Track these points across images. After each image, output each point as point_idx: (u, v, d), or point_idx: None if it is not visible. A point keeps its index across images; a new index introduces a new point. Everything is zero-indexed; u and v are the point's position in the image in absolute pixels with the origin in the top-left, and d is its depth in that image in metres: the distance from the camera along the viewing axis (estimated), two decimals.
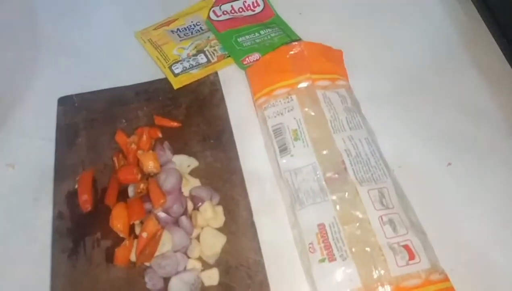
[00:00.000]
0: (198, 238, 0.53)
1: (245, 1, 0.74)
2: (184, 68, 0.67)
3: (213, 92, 0.65)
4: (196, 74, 0.67)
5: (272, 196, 0.57)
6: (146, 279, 0.50)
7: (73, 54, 0.70)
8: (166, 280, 0.50)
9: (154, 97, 0.65)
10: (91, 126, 0.62)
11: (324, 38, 0.65)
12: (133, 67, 0.69)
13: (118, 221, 0.52)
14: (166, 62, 0.68)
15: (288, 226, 0.55)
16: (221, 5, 0.74)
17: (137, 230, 0.53)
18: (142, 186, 0.54)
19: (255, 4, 0.75)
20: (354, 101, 0.62)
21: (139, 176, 0.55)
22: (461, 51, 0.69)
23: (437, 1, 0.75)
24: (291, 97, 0.61)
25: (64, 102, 0.64)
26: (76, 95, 0.64)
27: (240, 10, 0.74)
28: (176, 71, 0.67)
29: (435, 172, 0.59)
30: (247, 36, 0.71)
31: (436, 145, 0.60)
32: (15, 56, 0.69)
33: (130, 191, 0.55)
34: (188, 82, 0.66)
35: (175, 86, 0.66)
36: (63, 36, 0.72)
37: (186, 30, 0.72)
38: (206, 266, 0.51)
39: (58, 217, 0.55)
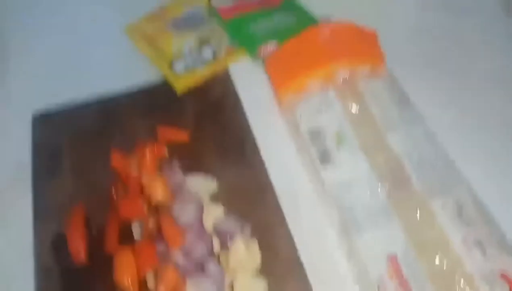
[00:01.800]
0: (231, 285, 0.38)
1: None
2: (187, 67, 0.53)
3: (226, 93, 0.52)
4: (203, 73, 0.53)
5: (317, 218, 0.44)
6: None
7: (50, 60, 0.56)
8: None
9: (155, 105, 0.51)
10: (78, 147, 0.48)
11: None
12: (125, 71, 0.55)
13: (124, 273, 0.38)
14: (165, 61, 0.53)
15: (341, 256, 0.41)
16: None
17: (150, 282, 0.38)
18: (151, 224, 0.39)
19: None
20: (401, 92, 0.49)
21: (145, 209, 0.41)
22: None
23: None
24: (327, 92, 0.46)
25: (41, 119, 0.50)
26: (56, 110, 0.50)
27: None
28: (178, 70, 0.53)
29: (508, 170, 0.45)
30: (259, 22, 0.57)
31: (503, 140, 0.48)
32: None
33: (136, 230, 0.41)
34: (194, 84, 0.52)
35: (179, 90, 0.51)
36: (35, 40, 0.57)
37: (185, 20, 0.58)
38: None
39: (42, 274, 0.40)
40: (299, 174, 0.46)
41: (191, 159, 0.46)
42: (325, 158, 0.45)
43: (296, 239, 0.42)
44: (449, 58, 0.54)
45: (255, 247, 0.41)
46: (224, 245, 0.40)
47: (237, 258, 0.39)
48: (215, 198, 0.44)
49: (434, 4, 0.59)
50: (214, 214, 0.42)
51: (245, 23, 0.56)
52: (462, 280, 0.37)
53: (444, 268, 0.38)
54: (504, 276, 0.38)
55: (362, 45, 0.51)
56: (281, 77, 0.51)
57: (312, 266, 0.41)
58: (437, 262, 0.38)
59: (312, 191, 0.45)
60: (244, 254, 0.39)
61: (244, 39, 0.55)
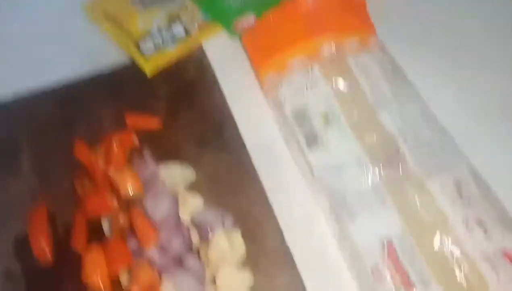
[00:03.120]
0: (213, 281, 0.40)
1: None
2: (157, 46, 0.55)
3: (202, 73, 0.54)
4: (174, 52, 0.55)
5: (306, 205, 0.46)
6: None
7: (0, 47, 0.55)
8: None
9: (122, 90, 0.53)
10: (37, 139, 0.49)
11: None
12: (86, 54, 0.56)
13: (94, 272, 0.40)
14: (131, 41, 0.55)
15: (332, 243, 0.43)
16: None
17: (123, 280, 0.40)
18: (121, 220, 0.41)
19: None
20: (394, 66, 0.51)
21: (115, 204, 0.42)
22: None
23: None
24: (312, 69, 0.49)
25: None
26: (11, 98, 0.51)
27: None
28: (147, 51, 0.54)
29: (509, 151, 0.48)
30: None
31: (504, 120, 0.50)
32: None
33: (105, 227, 0.43)
34: (165, 65, 0.53)
35: (149, 73, 0.53)
36: None
37: None
38: None
39: (6, 276, 0.42)
40: (285, 159, 0.48)
41: (164, 148, 0.48)
42: (312, 140, 0.47)
43: (283, 228, 0.44)
44: (447, 30, 0.56)
45: (238, 238, 0.43)
46: (204, 238, 0.42)
47: (218, 251, 0.41)
48: (192, 188, 0.46)
49: None
50: (191, 206, 0.44)
51: None
52: (463, 263, 0.40)
53: (444, 252, 0.40)
54: (507, 255, 0.40)
55: (349, 15, 0.53)
56: (261, 54, 0.52)
57: (302, 255, 0.43)
58: (435, 245, 0.40)
59: (299, 176, 0.47)
60: (226, 245, 0.41)
61: (218, 12, 0.57)
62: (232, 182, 0.46)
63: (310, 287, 0.41)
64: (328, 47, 0.50)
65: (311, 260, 0.43)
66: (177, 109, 0.51)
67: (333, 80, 0.48)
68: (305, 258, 0.43)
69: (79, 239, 0.42)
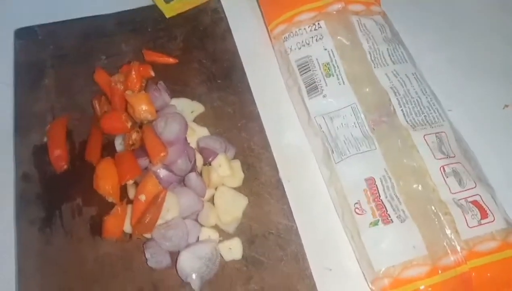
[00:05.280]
0: (212, 201, 0.42)
1: None
2: None
3: (216, 21, 0.54)
4: (193, 0, 0.55)
5: (301, 147, 0.48)
6: (147, 255, 0.39)
7: None
8: (173, 255, 0.39)
9: (142, 28, 0.53)
10: (61, 64, 0.50)
11: None
12: None
13: (105, 181, 0.41)
14: None
15: (323, 182, 0.45)
16: None
17: (131, 193, 0.42)
18: (134, 136, 0.42)
19: None
20: (393, 31, 0.52)
21: (129, 124, 0.44)
22: None
23: None
24: (318, 24, 0.50)
25: (24, 35, 0.52)
26: (40, 26, 0.53)
27: None
28: None
29: (491, 115, 0.51)
30: None
31: (490, 85, 0.52)
32: None
33: (118, 144, 0.44)
34: (183, 10, 0.54)
35: (167, 15, 0.54)
36: None
37: None
38: (224, 236, 0.41)
39: (23, 179, 0.43)
40: (285, 103, 0.50)
41: (177, 83, 0.49)
42: (312, 88, 0.48)
43: (278, 164, 0.46)
44: (442, 5, 0.57)
45: (237, 166, 0.44)
46: (207, 162, 0.43)
47: (219, 174, 0.42)
48: (200, 120, 0.47)
49: None
50: (199, 134, 0.45)
51: None
52: (436, 205, 0.41)
53: (420, 194, 0.42)
54: (475, 203, 0.42)
55: None
56: (273, 8, 0.53)
57: (293, 189, 0.44)
58: (413, 187, 0.42)
59: (297, 120, 0.49)
60: (227, 170, 0.42)
61: None
62: (236, 119, 0.48)
63: (296, 215, 0.43)
64: (336, 6, 0.50)
65: (301, 194, 0.45)
66: (191, 50, 0.52)
67: (338, 36, 0.49)
68: (295, 192, 0.45)
69: (93, 152, 0.43)
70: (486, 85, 0.52)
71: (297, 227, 0.42)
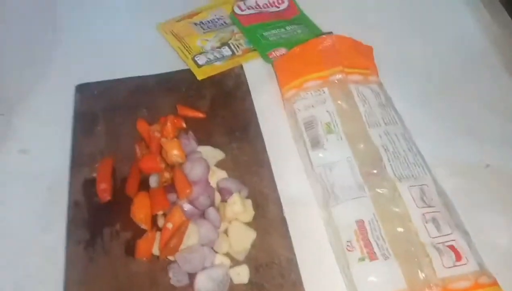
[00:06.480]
0: (226, 232, 0.48)
1: None
2: (208, 60, 0.64)
3: (238, 85, 0.62)
4: (221, 66, 0.64)
5: (303, 192, 0.54)
6: (170, 274, 0.45)
7: (93, 42, 0.67)
8: (192, 276, 0.45)
9: (177, 88, 0.61)
10: (111, 114, 0.58)
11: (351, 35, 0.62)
12: (155, 58, 0.66)
13: (140, 211, 0.48)
14: (189, 54, 0.65)
15: (321, 223, 0.51)
16: (245, 0, 0.71)
17: (160, 222, 0.49)
18: (166, 175, 0.50)
19: (280, 1, 0.73)
20: (387, 98, 0.60)
21: (162, 165, 0.51)
22: (492, 54, 0.67)
23: (465, 5, 0.73)
24: (323, 90, 0.58)
25: (83, 89, 0.61)
26: (95, 83, 0.61)
27: (265, 6, 0.72)
28: (200, 62, 0.64)
29: (474, 173, 0.55)
30: (273, 31, 0.68)
31: (473, 146, 0.57)
32: (33, 41, 0.66)
33: (153, 182, 0.51)
34: (212, 74, 0.63)
35: (199, 77, 0.63)
36: (83, 24, 0.70)
37: (209, 23, 0.70)
38: (235, 262, 0.47)
39: (74, 206, 0.50)
40: (292, 154, 0.56)
41: (204, 134, 0.56)
42: (315, 143, 0.55)
43: (284, 205, 0.52)
44: (433, 80, 0.64)
45: (249, 205, 0.51)
46: (224, 200, 0.50)
47: (233, 210, 0.49)
48: (220, 165, 0.54)
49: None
50: (218, 176, 0.52)
51: (261, 30, 0.68)
52: (416, 246, 0.46)
53: (403, 236, 0.47)
54: (452, 247, 0.47)
55: (358, 55, 0.62)
56: (286, 76, 0.61)
57: (296, 227, 0.50)
58: (397, 230, 0.48)
59: (302, 169, 0.55)
60: (240, 208, 0.49)
61: (259, 43, 0.66)
62: (250, 166, 0.54)
63: (297, 249, 0.48)
64: (338, 77, 0.58)
65: (302, 232, 0.50)
66: (216, 107, 0.60)
67: (338, 101, 0.57)
68: (297, 229, 0.50)
69: (132, 187, 0.51)
70: (468, 146, 0.57)
71: (296, 259, 0.47)
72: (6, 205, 0.51)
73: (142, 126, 0.56)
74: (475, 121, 0.60)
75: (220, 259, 0.47)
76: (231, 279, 0.46)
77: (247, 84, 0.62)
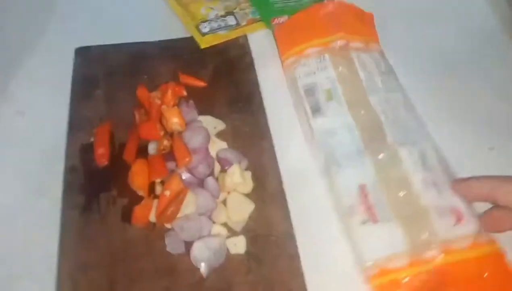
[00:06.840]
0: (224, 202, 0.47)
1: None
2: (212, 29, 0.62)
3: (242, 55, 0.60)
4: (225, 36, 0.62)
5: (304, 165, 0.52)
6: (166, 242, 0.44)
7: (93, 6, 0.65)
8: (187, 244, 0.44)
9: (179, 55, 0.59)
10: (111, 79, 0.57)
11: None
12: (157, 24, 0.64)
13: (138, 177, 0.47)
14: (193, 21, 0.63)
15: (319, 194, 0.50)
16: None
17: (158, 190, 0.48)
18: (165, 143, 0.48)
19: None
20: (388, 66, 0.58)
21: (161, 133, 0.50)
22: (500, 32, 0.64)
23: None
24: (323, 57, 0.56)
25: (82, 53, 0.59)
26: (96, 46, 0.59)
27: None
28: (204, 30, 0.62)
29: (475, 156, 0.54)
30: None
31: (476, 129, 0.56)
32: (32, 4, 0.64)
33: (151, 149, 0.50)
34: (215, 43, 0.61)
35: (202, 46, 0.60)
36: None
37: None
38: (232, 233, 0.46)
39: (70, 170, 0.49)
40: (293, 123, 0.55)
41: (205, 103, 0.55)
42: (316, 110, 0.53)
43: (283, 176, 0.50)
44: (435, 49, 0.62)
45: (248, 177, 0.50)
46: (223, 170, 0.49)
47: (232, 181, 0.48)
48: (221, 135, 0.53)
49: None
50: (218, 146, 0.51)
51: None
52: (418, 209, 0.45)
53: (403, 199, 0.46)
54: (453, 210, 0.46)
55: (358, 22, 0.59)
56: (286, 43, 0.59)
57: (294, 200, 0.49)
58: (398, 194, 0.47)
59: (302, 137, 0.54)
60: (239, 178, 0.48)
61: (264, 7, 0.64)
62: (251, 137, 0.53)
63: (295, 221, 0.47)
64: (339, 43, 0.56)
65: (300, 205, 0.49)
66: (219, 77, 0.58)
67: (338, 67, 0.55)
68: (296, 202, 0.49)
69: (130, 153, 0.49)
70: (471, 128, 0.55)
71: (294, 232, 0.47)
72: (0, 167, 0.50)
73: (142, 92, 0.54)
74: (480, 103, 0.58)
75: (217, 229, 0.46)
76: (227, 249, 0.45)
77: (251, 55, 0.61)
